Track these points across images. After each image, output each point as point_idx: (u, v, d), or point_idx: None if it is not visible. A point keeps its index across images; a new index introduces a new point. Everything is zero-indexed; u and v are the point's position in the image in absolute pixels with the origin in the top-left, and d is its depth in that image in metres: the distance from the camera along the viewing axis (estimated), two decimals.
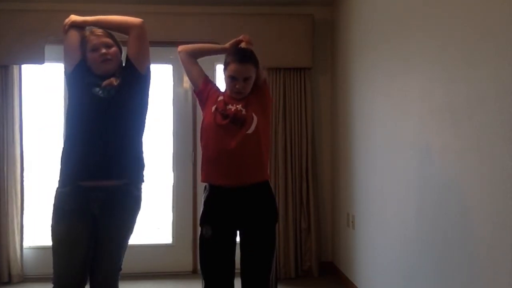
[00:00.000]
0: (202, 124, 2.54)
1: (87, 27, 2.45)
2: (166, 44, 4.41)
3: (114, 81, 2.38)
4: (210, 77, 2.67)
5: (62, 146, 2.41)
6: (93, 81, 2.39)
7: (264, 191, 2.50)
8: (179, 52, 2.59)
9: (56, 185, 2.39)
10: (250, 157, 2.43)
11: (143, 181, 2.48)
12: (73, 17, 2.44)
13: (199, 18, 4.34)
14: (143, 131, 2.50)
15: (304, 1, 4.44)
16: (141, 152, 2.48)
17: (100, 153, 2.32)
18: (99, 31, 2.41)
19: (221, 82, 2.65)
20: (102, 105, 2.35)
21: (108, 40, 2.41)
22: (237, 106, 2.44)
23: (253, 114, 2.44)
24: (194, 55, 2.60)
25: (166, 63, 4.57)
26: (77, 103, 2.40)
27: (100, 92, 2.36)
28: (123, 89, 2.38)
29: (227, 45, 2.62)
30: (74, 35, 2.43)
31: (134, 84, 2.42)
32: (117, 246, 2.41)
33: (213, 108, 2.47)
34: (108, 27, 2.44)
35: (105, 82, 2.37)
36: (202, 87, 2.56)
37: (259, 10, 4.43)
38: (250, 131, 2.41)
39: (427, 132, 2.62)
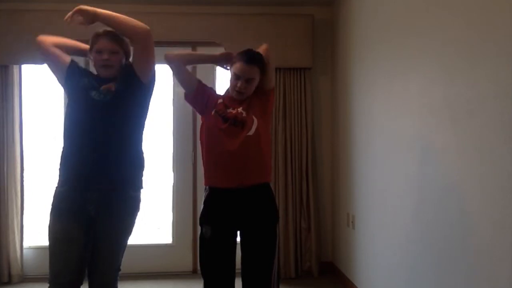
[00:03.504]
0: (202, 127, 2.53)
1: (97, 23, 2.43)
2: (166, 44, 4.41)
3: (112, 86, 2.37)
4: (210, 78, 2.68)
5: (62, 146, 2.42)
6: (90, 84, 2.39)
7: (264, 192, 2.50)
8: (170, 60, 2.52)
9: (56, 184, 2.41)
10: (252, 158, 2.43)
11: (141, 183, 2.48)
12: (82, 7, 2.32)
13: (199, 18, 4.34)
14: (141, 134, 2.50)
15: (304, 1, 4.44)
16: (139, 154, 2.48)
17: (95, 157, 2.33)
18: (109, 35, 2.40)
19: (220, 84, 2.64)
20: (97, 109, 2.35)
21: (115, 46, 2.39)
22: (238, 109, 2.44)
23: (254, 117, 2.44)
24: (186, 62, 2.58)
25: (166, 63, 4.56)
26: (74, 105, 2.41)
27: (96, 95, 2.36)
28: (120, 95, 2.37)
29: (217, 54, 2.60)
30: (52, 50, 2.41)
31: (134, 91, 2.41)
32: (115, 246, 2.41)
33: (213, 111, 2.47)
34: (114, 28, 2.39)
35: (104, 87, 2.37)
36: (198, 90, 2.53)
37: (259, 10, 4.43)
38: (250, 133, 2.42)
39: (427, 132, 2.62)
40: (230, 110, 2.45)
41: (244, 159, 2.41)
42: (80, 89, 2.39)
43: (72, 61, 2.46)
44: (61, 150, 2.42)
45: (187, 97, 2.59)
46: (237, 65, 2.43)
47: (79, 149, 2.35)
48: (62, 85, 2.48)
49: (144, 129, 2.51)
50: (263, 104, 2.52)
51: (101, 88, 2.37)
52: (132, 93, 2.40)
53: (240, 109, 2.44)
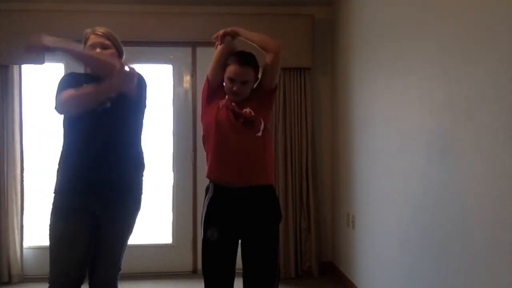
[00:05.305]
0: (207, 120, 2.48)
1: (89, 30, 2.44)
2: (166, 44, 4.43)
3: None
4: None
5: (61, 150, 2.41)
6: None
7: (269, 194, 2.49)
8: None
9: (56, 183, 2.40)
10: (260, 159, 2.43)
11: (142, 184, 2.49)
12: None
13: (199, 18, 4.34)
14: (140, 134, 2.49)
15: (304, 1, 4.44)
16: (139, 155, 2.48)
17: (97, 163, 2.32)
18: (100, 31, 2.39)
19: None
20: (95, 116, 2.32)
21: (106, 41, 2.38)
22: (246, 109, 2.42)
23: (261, 118, 2.44)
24: (217, 69, 2.49)
25: (166, 63, 4.58)
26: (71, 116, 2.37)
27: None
28: (118, 103, 2.35)
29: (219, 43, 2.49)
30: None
31: (130, 102, 2.39)
32: (117, 246, 2.41)
33: (220, 105, 2.43)
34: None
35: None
36: (218, 83, 2.49)
37: (259, 10, 4.43)
38: (259, 133, 2.42)
39: (427, 132, 2.62)
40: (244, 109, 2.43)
41: (253, 159, 2.40)
42: None
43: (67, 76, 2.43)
44: (61, 153, 2.40)
45: (211, 82, 2.51)
46: (231, 68, 2.38)
47: (81, 154, 2.33)
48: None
49: (143, 129, 2.51)
50: (267, 103, 2.51)
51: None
52: (128, 100, 2.37)
53: (248, 109, 2.43)
